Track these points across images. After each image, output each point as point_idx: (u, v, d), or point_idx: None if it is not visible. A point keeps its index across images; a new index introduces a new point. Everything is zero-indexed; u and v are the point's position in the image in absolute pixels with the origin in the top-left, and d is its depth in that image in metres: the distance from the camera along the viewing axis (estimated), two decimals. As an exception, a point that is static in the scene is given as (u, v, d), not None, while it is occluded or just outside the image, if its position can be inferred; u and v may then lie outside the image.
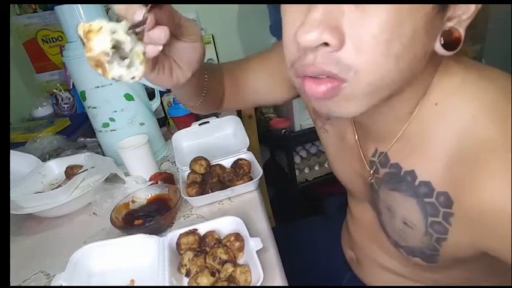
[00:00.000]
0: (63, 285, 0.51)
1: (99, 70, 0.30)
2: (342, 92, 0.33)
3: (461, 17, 0.33)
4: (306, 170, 1.57)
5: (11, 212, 0.71)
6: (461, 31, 0.33)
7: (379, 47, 0.30)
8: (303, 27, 0.30)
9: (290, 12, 0.34)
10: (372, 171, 0.49)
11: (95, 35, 0.28)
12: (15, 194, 0.74)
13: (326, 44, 0.30)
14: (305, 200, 1.49)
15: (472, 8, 0.33)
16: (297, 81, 0.36)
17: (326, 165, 1.58)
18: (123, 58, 0.30)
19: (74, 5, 0.76)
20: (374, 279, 0.61)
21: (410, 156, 0.41)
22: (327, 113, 0.36)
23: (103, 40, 0.28)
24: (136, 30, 0.30)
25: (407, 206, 0.42)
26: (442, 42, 0.33)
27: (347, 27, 0.30)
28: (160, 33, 0.33)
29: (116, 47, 0.29)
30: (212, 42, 1.49)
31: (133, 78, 0.31)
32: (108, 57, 0.29)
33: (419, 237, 0.43)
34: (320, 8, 0.30)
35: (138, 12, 0.31)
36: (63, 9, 0.76)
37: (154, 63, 0.38)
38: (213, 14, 1.51)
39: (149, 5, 0.31)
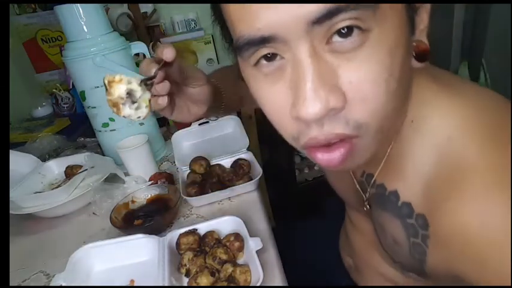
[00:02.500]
0: (63, 285, 0.51)
1: (114, 109, 0.39)
2: (358, 147, 0.32)
3: (420, 26, 0.32)
4: (306, 170, 1.58)
5: (11, 212, 0.71)
6: (425, 40, 0.33)
7: (380, 90, 0.29)
8: (305, 102, 0.28)
9: (267, 89, 0.32)
10: (363, 192, 0.48)
11: (116, 84, 0.37)
12: (14, 194, 0.73)
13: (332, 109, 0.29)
14: (305, 200, 1.48)
15: (425, 16, 0.32)
16: (303, 151, 0.34)
17: (326, 165, 1.58)
18: (133, 102, 0.38)
19: (74, 5, 0.76)
20: (373, 285, 0.60)
21: (393, 177, 0.40)
22: (339, 170, 0.34)
23: (121, 89, 0.37)
24: (147, 83, 0.38)
25: (393, 225, 0.42)
26: (414, 55, 0.32)
27: (344, 83, 0.29)
28: (164, 86, 0.39)
29: (130, 93, 0.38)
30: (212, 42, 1.49)
31: (139, 117, 0.40)
32: (122, 100, 0.38)
33: (407, 255, 0.42)
34: (310, 77, 0.28)
35: (153, 69, 0.38)
36: (62, 9, 0.76)
37: (173, 106, 0.45)
38: (212, 14, 1.51)
39: (162, 63, 0.39)
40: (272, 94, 0.32)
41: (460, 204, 0.32)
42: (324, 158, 0.32)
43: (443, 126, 0.35)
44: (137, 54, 0.93)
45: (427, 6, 0.32)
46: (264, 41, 0.29)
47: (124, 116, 0.39)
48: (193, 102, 0.48)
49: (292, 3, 0.26)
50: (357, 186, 0.49)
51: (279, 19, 0.27)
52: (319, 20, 0.27)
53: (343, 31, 0.27)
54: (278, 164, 1.61)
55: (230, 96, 0.57)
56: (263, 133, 1.45)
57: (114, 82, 0.37)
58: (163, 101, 0.40)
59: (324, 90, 0.28)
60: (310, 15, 0.26)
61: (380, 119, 0.31)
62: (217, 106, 0.54)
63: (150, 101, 0.39)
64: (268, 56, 0.31)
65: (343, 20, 0.27)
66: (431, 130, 0.36)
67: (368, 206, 0.48)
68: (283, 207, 1.48)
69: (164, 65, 0.39)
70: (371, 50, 0.28)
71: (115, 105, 0.38)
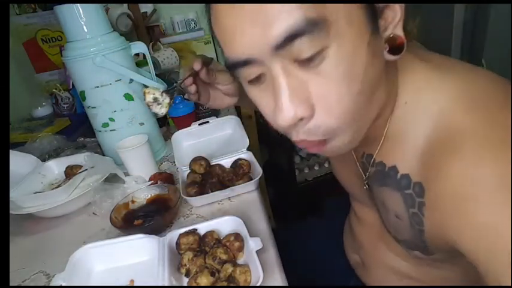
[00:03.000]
0: (63, 285, 0.50)
1: (149, 108, 0.59)
2: (330, 144, 0.38)
3: (394, 21, 0.35)
4: (306, 170, 1.58)
5: (11, 211, 0.71)
6: (401, 34, 0.35)
7: (344, 97, 0.34)
8: (278, 113, 0.34)
9: (257, 97, 0.39)
10: (363, 172, 0.51)
11: (147, 94, 0.58)
12: (14, 194, 0.73)
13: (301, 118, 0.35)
14: (305, 200, 1.49)
15: (397, 7, 0.35)
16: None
17: (326, 165, 1.58)
18: (158, 104, 0.58)
19: (74, 4, 0.75)
20: (381, 282, 0.60)
21: (391, 154, 0.44)
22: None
23: (150, 97, 0.58)
24: (168, 92, 0.58)
25: (394, 199, 0.44)
26: (388, 49, 0.36)
27: (313, 95, 0.34)
28: (191, 88, 0.57)
29: (155, 99, 0.58)
30: (212, 42, 1.49)
31: (162, 113, 0.59)
32: (151, 103, 0.58)
33: (408, 229, 0.44)
34: (286, 90, 0.33)
35: (188, 79, 0.56)
36: (62, 9, 0.76)
37: (208, 97, 0.62)
38: (212, 14, 1.51)
39: (191, 72, 0.56)
40: (262, 100, 0.38)
41: (451, 167, 0.34)
42: (305, 148, 0.40)
43: (434, 101, 0.38)
44: (137, 54, 0.93)
45: (394, 5, 0.35)
46: (245, 63, 0.35)
47: (153, 111, 0.59)
48: (225, 94, 0.62)
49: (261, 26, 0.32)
50: (358, 166, 0.52)
51: (250, 46, 0.33)
52: (280, 46, 0.32)
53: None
54: (278, 164, 1.62)
55: None
56: (263, 133, 1.46)
57: (146, 93, 0.58)
58: (194, 97, 0.59)
59: (293, 103, 0.34)
60: (273, 42, 0.32)
61: (349, 120, 0.36)
62: (245, 98, 0.60)
63: (169, 103, 0.58)
64: (257, 75, 0.36)
65: (302, 46, 0.31)
66: (424, 106, 0.39)
67: (367, 186, 0.52)
68: (283, 208, 1.49)
69: (194, 73, 0.56)
70: (333, 62, 0.32)
71: (148, 105, 0.58)
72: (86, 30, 0.78)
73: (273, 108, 0.35)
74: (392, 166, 0.43)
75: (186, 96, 0.61)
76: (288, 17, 0.30)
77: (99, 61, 0.77)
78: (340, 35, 0.32)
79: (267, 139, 1.51)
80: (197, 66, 0.55)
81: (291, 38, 0.31)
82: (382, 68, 0.37)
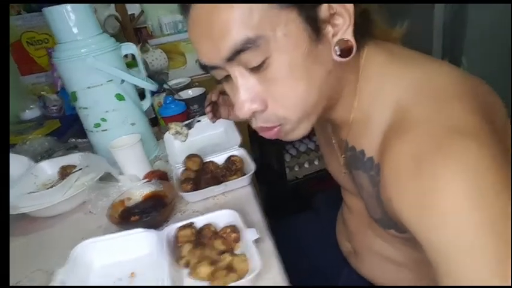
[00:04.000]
0: (63, 280, 0.51)
1: (173, 136, 0.79)
2: (284, 130, 0.45)
3: (343, 27, 0.40)
4: (296, 168, 1.60)
5: (5, 213, 0.71)
6: (350, 38, 0.40)
7: (288, 94, 0.41)
8: (236, 107, 0.43)
9: (228, 91, 0.47)
10: (343, 156, 0.56)
11: (171, 129, 0.77)
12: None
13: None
14: (296, 197, 1.51)
15: (345, 15, 0.39)
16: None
17: (316, 162, 1.61)
18: (180, 134, 0.77)
19: (63, 6, 0.76)
20: (372, 270, 0.63)
21: (360, 139, 0.48)
22: (287, 140, 0.48)
23: (174, 129, 0.77)
24: (187, 125, 0.79)
25: (364, 181, 0.48)
26: (339, 53, 0.41)
27: (263, 92, 0.42)
28: (210, 114, 0.73)
29: (177, 131, 0.76)
30: (200, 43, 1.50)
31: (183, 141, 0.79)
32: (174, 135, 0.77)
33: (377, 208, 0.48)
34: (242, 89, 0.41)
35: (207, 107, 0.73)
36: (51, 11, 0.76)
37: (228, 113, 0.75)
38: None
39: (210, 102, 0.73)
40: (231, 94, 0.46)
41: (396, 147, 0.38)
42: (266, 135, 0.47)
43: (393, 91, 0.42)
44: (126, 56, 0.94)
45: (343, 12, 0.39)
46: (211, 67, 0.43)
47: (176, 140, 0.79)
48: None
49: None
50: (338, 153, 0.58)
51: (209, 56, 0.41)
52: (230, 58, 0.39)
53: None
54: (268, 163, 1.64)
55: None
56: (254, 133, 1.48)
57: (170, 128, 0.77)
58: (213, 119, 0.74)
59: (247, 100, 0.42)
60: (223, 56, 0.39)
61: (298, 111, 0.42)
62: None
63: (186, 134, 0.78)
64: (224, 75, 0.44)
65: (247, 58, 0.39)
66: (385, 94, 0.43)
67: (344, 172, 0.57)
68: (274, 205, 1.51)
69: (212, 102, 0.72)
70: (275, 68, 0.39)
71: (173, 136, 0.78)
72: (76, 31, 0.78)
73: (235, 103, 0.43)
74: (361, 150, 0.48)
75: (209, 117, 0.74)
76: (232, 37, 0.38)
77: (90, 62, 0.78)
78: (278, 47, 0.38)
79: (257, 139, 1.53)
80: (214, 97, 0.72)
81: (236, 52, 0.38)
82: (328, 69, 0.42)
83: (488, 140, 0.34)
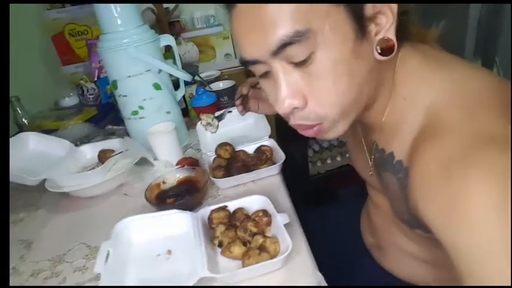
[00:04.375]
0: (109, 251, 0.55)
1: (204, 128, 0.83)
2: (323, 129, 0.45)
3: (386, 26, 0.41)
4: (319, 163, 1.62)
5: (49, 189, 0.77)
6: (392, 37, 0.41)
7: (330, 91, 0.41)
8: (278, 103, 0.43)
9: (266, 88, 0.47)
10: (372, 159, 0.56)
11: (203, 120, 0.81)
12: (52, 175, 0.79)
13: (296, 107, 0.43)
14: (318, 192, 1.53)
15: (389, 14, 0.40)
16: None
17: (338, 158, 1.62)
18: (211, 126, 0.81)
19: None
20: (395, 263, 0.64)
21: (390, 141, 0.49)
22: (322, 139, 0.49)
23: (205, 120, 0.81)
24: (217, 117, 0.83)
25: (392, 183, 0.49)
26: (379, 51, 0.41)
27: (305, 89, 0.42)
28: (240, 107, 0.77)
29: (208, 123, 0.80)
30: (230, 37, 1.54)
31: (213, 132, 0.82)
32: (205, 126, 0.81)
33: (405, 210, 0.48)
34: (283, 85, 0.42)
35: (238, 100, 0.76)
36: (100, 4, 0.81)
37: (257, 106, 0.78)
38: (230, 11, 1.56)
39: (241, 95, 0.76)
40: (269, 91, 0.46)
41: (427, 152, 0.39)
42: (304, 133, 0.48)
43: (428, 95, 0.43)
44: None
45: (387, 11, 0.40)
46: (253, 62, 0.43)
47: (207, 131, 0.83)
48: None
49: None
50: (367, 154, 0.59)
51: (254, 50, 0.42)
52: (275, 52, 0.40)
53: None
54: (292, 157, 1.66)
55: None
56: (279, 129, 1.50)
57: (202, 119, 0.81)
58: (242, 112, 0.77)
59: (288, 96, 0.42)
60: (269, 49, 0.40)
61: (335, 109, 0.43)
62: None
63: (217, 125, 0.81)
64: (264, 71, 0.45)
65: (293, 52, 0.39)
66: (419, 99, 0.44)
67: (372, 172, 0.58)
68: (298, 197, 1.53)
69: (243, 95, 0.75)
70: (320, 64, 0.40)
71: (204, 127, 0.81)
72: (119, 22, 0.83)
73: (275, 98, 0.44)
74: (390, 152, 0.48)
75: (238, 110, 0.77)
76: (279, 29, 0.38)
77: (133, 52, 0.82)
78: (325, 42, 0.39)
79: (282, 135, 1.55)
80: (245, 90, 0.74)
81: (283, 46, 0.39)
82: (369, 67, 0.42)
83: None
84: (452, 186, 0.35)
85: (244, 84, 0.75)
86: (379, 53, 0.41)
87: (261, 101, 0.77)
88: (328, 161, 1.62)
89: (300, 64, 0.40)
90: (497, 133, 0.35)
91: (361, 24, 0.40)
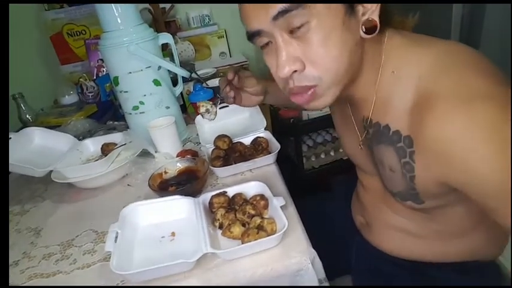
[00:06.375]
0: (117, 232, 0.59)
1: (202, 115, 0.78)
2: (316, 93, 0.50)
3: (371, 8, 0.47)
4: (313, 158, 1.66)
5: (55, 180, 0.81)
6: (375, 18, 0.47)
7: (325, 56, 0.47)
8: (278, 68, 0.48)
9: (267, 59, 0.53)
10: (364, 134, 0.61)
11: (201, 107, 0.77)
12: (59, 166, 0.83)
13: (295, 70, 0.48)
14: (312, 185, 1.57)
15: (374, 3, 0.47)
16: (288, 96, 0.54)
17: (332, 153, 1.67)
18: (209, 112, 0.77)
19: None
20: (381, 238, 0.69)
21: (384, 115, 0.53)
22: (312, 109, 0.54)
23: (204, 107, 0.77)
24: (215, 103, 0.79)
25: (388, 154, 0.54)
26: (364, 30, 0.48)
27: (302, 55, 0.48)
28: (229, 94, 0.75)
29: (207, 109, 0.77)
30: (225, 36, 1.58)
31: (212, 119, 0.78)
32: (204, 113, 0.77)
33: (400, 180, 0.53)
34: (283, 52, 0.48)
35: (224, 84, 0.75)
36: (101, 4, 0.85)
37: (240, 99, 0.79)
38: (225, 10, 1.60)
39: (227, 82, 0.75)
40: (270, 60, 0.52)
41: (431, 120, 0.44)
42: (298, 100, 0.52)
43: (415, 70, 0.48)
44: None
45: None
46: (258, 33, 0.49)
47: (205, 118, 0.78)
48: (253, 95, 0.79)
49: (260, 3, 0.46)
50: (357, 130, 0.64)
51: (259, 20, 0.48)
52: (276, 17, 0.45)
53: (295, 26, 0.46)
54: (286, 152, 1.70)
55: (275, 91, 0.78)
56: (274, 123, 1.55)
57: (200, 106, 0.77)
58: (230, 100, 0.77)
59: (288, 60, 0.48)
60: (271, 15, 0.46)
61: (332, 72, 0.48)
62: (269, 97, 0.83)
63: (216, 112, 0.78)
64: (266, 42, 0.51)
65: (291, 18, 0.45)
66: (407, 74, 0.49)
67: (362, 147, 0.63)
68: (292, 188, 1.57)
69: (229, 82, 0.74)
70: (314, 32, 0.46)
71: (201, 114, 0.77)
72: (119, 21, 0.87)
73: (276, 65, 0.49)
74: (386, 125, 0.53)
75: (226, 101, 0.79)
76: (279, 3, 0.45)
77: (133, 49, 0.86)
78: (319, 13, 0.45)
79: (277, 129, 1.60)
80: (230, 75, 0.74)
81: (283, 12, 0.45)
82: (356, 40, 0.48)
83: (505, 101, 0.40)
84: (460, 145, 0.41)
85: (229, 71, 0.75)
86: (364, 32, 0.48)
87: (243, 90, 0.78)
88: (322, 156, 1.67)
89: (297, 31, 0.46)
90: (485, 90, 0.41)
91: (350, 4, 0.46)
